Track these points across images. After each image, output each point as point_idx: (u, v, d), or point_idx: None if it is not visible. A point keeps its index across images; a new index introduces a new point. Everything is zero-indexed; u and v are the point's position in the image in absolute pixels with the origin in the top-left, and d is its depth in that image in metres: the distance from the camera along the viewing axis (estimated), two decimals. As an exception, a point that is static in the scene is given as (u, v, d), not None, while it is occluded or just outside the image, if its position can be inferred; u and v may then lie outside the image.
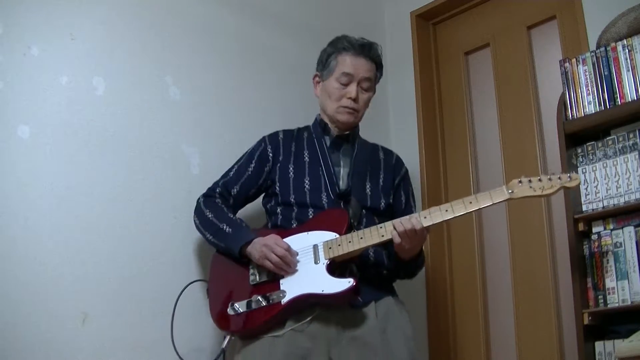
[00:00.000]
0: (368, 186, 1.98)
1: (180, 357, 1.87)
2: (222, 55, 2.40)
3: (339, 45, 2.02)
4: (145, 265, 2.00)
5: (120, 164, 2.03)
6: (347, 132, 2.05)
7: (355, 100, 1.99)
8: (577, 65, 2.13)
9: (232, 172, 2.03)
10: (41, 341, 1.75)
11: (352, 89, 1.98)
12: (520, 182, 1.75)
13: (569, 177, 1.75)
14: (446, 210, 1.76)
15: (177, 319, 1.92)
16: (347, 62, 1.99)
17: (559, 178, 1.75)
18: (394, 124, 3.01)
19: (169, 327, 1.90)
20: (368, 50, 2.01)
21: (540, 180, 1.75)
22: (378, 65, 2.06)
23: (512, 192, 1.75)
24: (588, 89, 2.09)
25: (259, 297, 1.77)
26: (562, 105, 2.14)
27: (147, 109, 2.13)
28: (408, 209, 2.07)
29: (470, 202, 1.75)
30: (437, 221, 1.76)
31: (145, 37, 2.18)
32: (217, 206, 1.96)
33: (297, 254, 1.81)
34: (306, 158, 2.00)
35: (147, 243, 2.03)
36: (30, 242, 1.79)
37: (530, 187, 1.74)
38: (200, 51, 2.33)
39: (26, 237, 1.79)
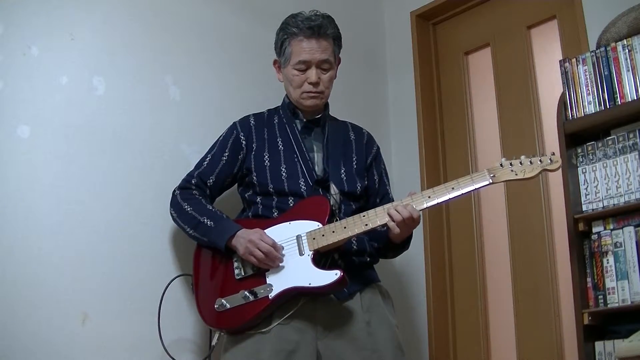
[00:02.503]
0: (343, 170, 1.97)
1: (169, 354, 1.88)
2: (222, 55, 2.40)
3: (288, 30, 1.96)
4: (145, 265, 2.00)
5: (120, 164, 2.03)
6: (318, 116, 2.04)
7: (317, 84, 1.96)
8: (577, 65, 2.13)
9: (205, 162, 2.00)
10: (41, 341, 1.75)
11: (312, 74, 1.94)
12: (501, 164, 1.77)
13: (550, 159, 1.74)
14: (429, 197, 1.77)
15: (168, 315, 1.93)
16: (301, 49, 1.93)
17: (540, 160, 1.75)
18: (394, 124, 3.01)
19: (168, 325, 1.90)
20: (318, 31, 1.93)
21: (521, 163, 1.76)
22: (334, 40, 1.98)
23: (494, 176, 1.76)
24: (588, 89, 2.09)
25: (246, 292, 1.76)
26: (562, 105, 2.14)
27: (147, 109, 2.13)
28: (382, 187, 2.08)
29: (453, 188, 1.76)
30: (421, 207, 1.77)
31: (145, 37, 2.19)
32: (195, 198, 1.94)
33: (283, 248, 1.80)
34: (280, 145, 1.98)
35: (147, 243, 2.03)
36: (30, 242, 1.79)
37: (512, 170, 1.76)
38: (200, 51, 2.33)
39: (26, 237, 1.79)
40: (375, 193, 2.05)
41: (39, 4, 1.94)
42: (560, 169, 1.80)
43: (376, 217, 1.79)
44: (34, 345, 1.73)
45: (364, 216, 1.79)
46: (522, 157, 1.76)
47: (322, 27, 1.94)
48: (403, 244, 1.93)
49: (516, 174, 1.75)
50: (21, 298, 1.75)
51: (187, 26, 2.32)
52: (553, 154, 1.77)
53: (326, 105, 2.07)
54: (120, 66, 2.09)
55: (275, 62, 2.07)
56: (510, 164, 1.76)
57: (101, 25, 2.08)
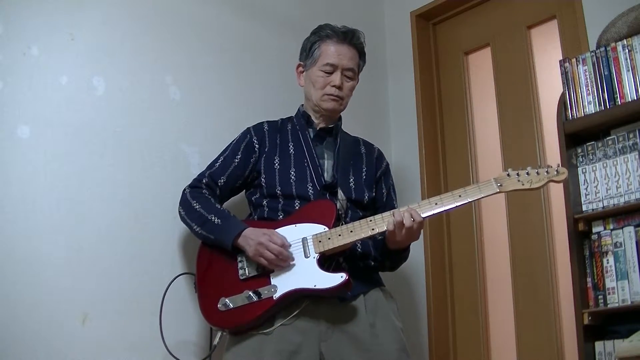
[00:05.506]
0: (352, 179, 2.00)
1: (170, 353, 1.87)
2: (222, 55, 2.40)
3: (322, 33, 2.03)
4: (145, 265, 2.00)
5: (120, 164, 2.03)
6: (331, 126, 2.07)
7: (339, 87, 2.00)
8: (577, 65, 2.13)
9: (217, 164, 2.01)
10: (41, 341, 1.75)
11: (336, 77, 2.00)
12: (508, 174, 1.80)
13: (557, 170, 1.77)
14: (435, 203, 1.79)
15: (169, 314, 1.92)
16: (330, 51, 2.00)
17: (547, 172, 1.78)
18: (394, 124, 3.01)
19: (169, 324, 1.90)
20: (351, 38, 2.02)
21: (528, 173, 1.79)
22: (361, 54, 2.07)
23: (501, 185, 1.78)
24: (588, 89, 2.09)
25: (250, 293, 1.76)
26: (562, 105, 2.14)
27: (147, 109, 2.14)
28: (389, 202, 2.10)
29: (460, 195, 1.78)
30: (427, 214, 1.78)
31: (145, 37, 2.19)
32: (205, 197, 1.94)
33: (290, 246, 1.80)
34: (291, 150, 2.01)
35: (147, 243, 2.03)
36: (30, 242, 1.79)
37: (519, 180, 1.78)
38: (200, 51, 2.33)
39: (26, 237, 1.79)
40: (382, 206, 2.06)
41: (39, 4, 1.94)
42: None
43: (383, 222, 1.79)
44: (34, 345, 1.73)
45: (370, 221, 1.80)
46: (529, 167, 1.79)
47: (354, 35, 2.03)
48: (401, 251, 1.93)
49: (523, 184, 1.78)
50: (21, 298, 1.75)
51: (187, 26, 2.32)
52: (559, 165, 1.80)
53: (340, 117, 2.11)
54: (120, 66, 2.09)
55: (298, 66, 2.11)
56: (517, 174, 1.79)
57: (101, 25, 2.08)
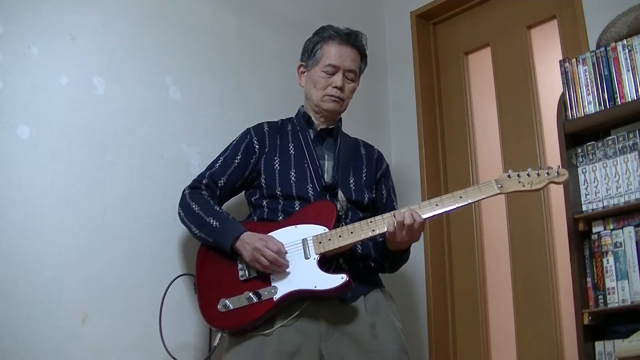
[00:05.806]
0: (352, 180, 2.00)
1: (170, 354, 1.86)
2: (222, 55, 2.40)
3: (324, 34, 2.04)
4: (145, 265, 2.00)
5: (120, 164, 2.03)
6: (331, 127, 2.07)
7: (340, 89, 2.00)
8: (577, 65, 2.13)
9: (217, 164, 2.01)
10: (41, 341, 1.75)
11: (338, 79, 2.00)
12: (509, 176, 1.80)
13: (557, 172, 1.78)
14: (436, 205, 1.79)
15: (168, 315, 1.92)
16: (333, 52, 2.01)
17: (547, 173, 1.79)
18: (394, 124, 3.01)
19: (168, 325, 1.90)
20: (354, 39, 2.03)
21: (528, 174, 1.79)
22: (362, 56, 2.08)
23: (502, 186, 1.79)
24: (588, 89, 2.09)
25: (251, 294, 1.76)
26: (562, 105, 2.14)
27: (147, 109, 2.14)
28: (389, 203, 2.10)
29: (460, 197, 1.78)
30: (428, 215, 1.78)
31: (145, 37, 2.19)
32: (204, 199, 1.94)
33: (287, 253, 1.80)
34: (291, 151, 2.01)
35: (147, 243, 2.03)
36: (30, 242, 1.79)
37: (519, 181, 1.79)
38: (200, 51, 2.33)
39: (26, 237, 1.79)
40: (382, 207, 2.06)
41: (39, 4, 1.94)
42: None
43: (383, 223, 1.79)
44: (34, 345, 1.73)
45: (371, 222, 1.80)
46: (529, 169, 1.80)
47: (357, 36, 2.04)
48: (401, 252, 1.93)
49: (523, 185, 1.78)
50: (21, 298, 1.75)
51: (187, 26, 2.32)
52: (559, 166, 1.81)
53: (340, 119, 2.11)
54: (120, 66, 2.10)
55: (299, 66, 2.11)
56: (518, 175, 1.79)
57: (101, 25, 2.08)
